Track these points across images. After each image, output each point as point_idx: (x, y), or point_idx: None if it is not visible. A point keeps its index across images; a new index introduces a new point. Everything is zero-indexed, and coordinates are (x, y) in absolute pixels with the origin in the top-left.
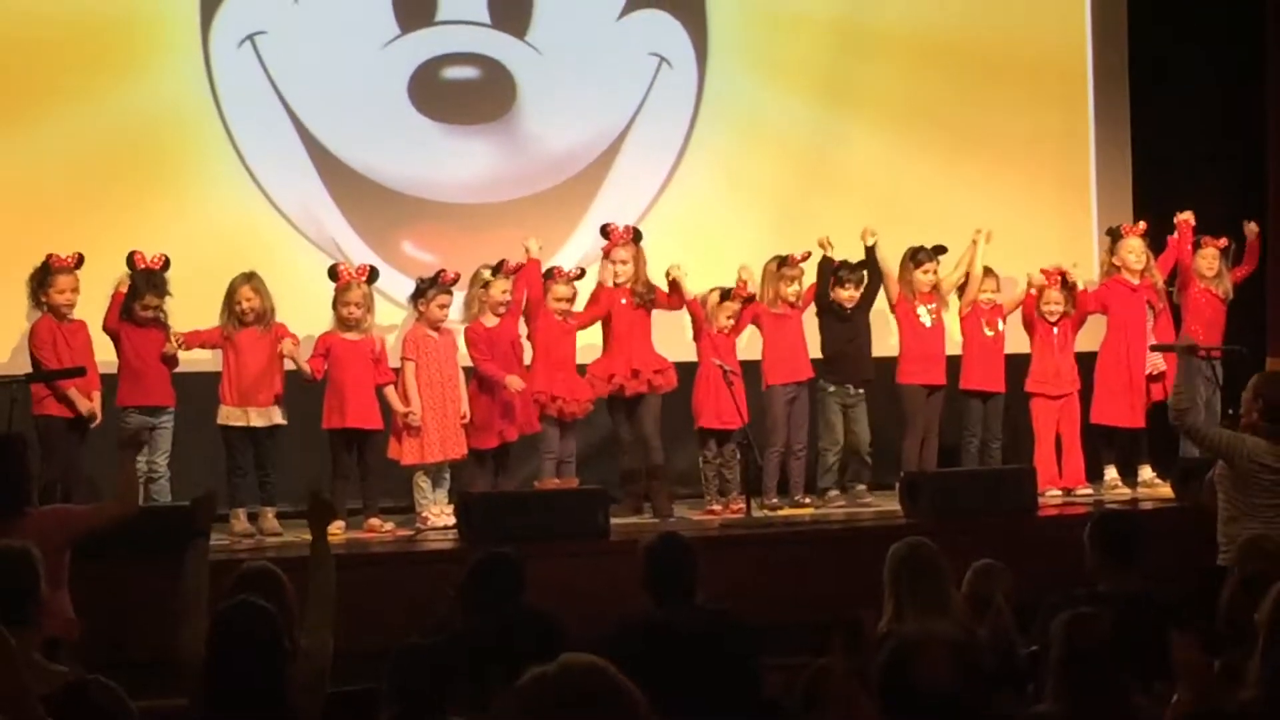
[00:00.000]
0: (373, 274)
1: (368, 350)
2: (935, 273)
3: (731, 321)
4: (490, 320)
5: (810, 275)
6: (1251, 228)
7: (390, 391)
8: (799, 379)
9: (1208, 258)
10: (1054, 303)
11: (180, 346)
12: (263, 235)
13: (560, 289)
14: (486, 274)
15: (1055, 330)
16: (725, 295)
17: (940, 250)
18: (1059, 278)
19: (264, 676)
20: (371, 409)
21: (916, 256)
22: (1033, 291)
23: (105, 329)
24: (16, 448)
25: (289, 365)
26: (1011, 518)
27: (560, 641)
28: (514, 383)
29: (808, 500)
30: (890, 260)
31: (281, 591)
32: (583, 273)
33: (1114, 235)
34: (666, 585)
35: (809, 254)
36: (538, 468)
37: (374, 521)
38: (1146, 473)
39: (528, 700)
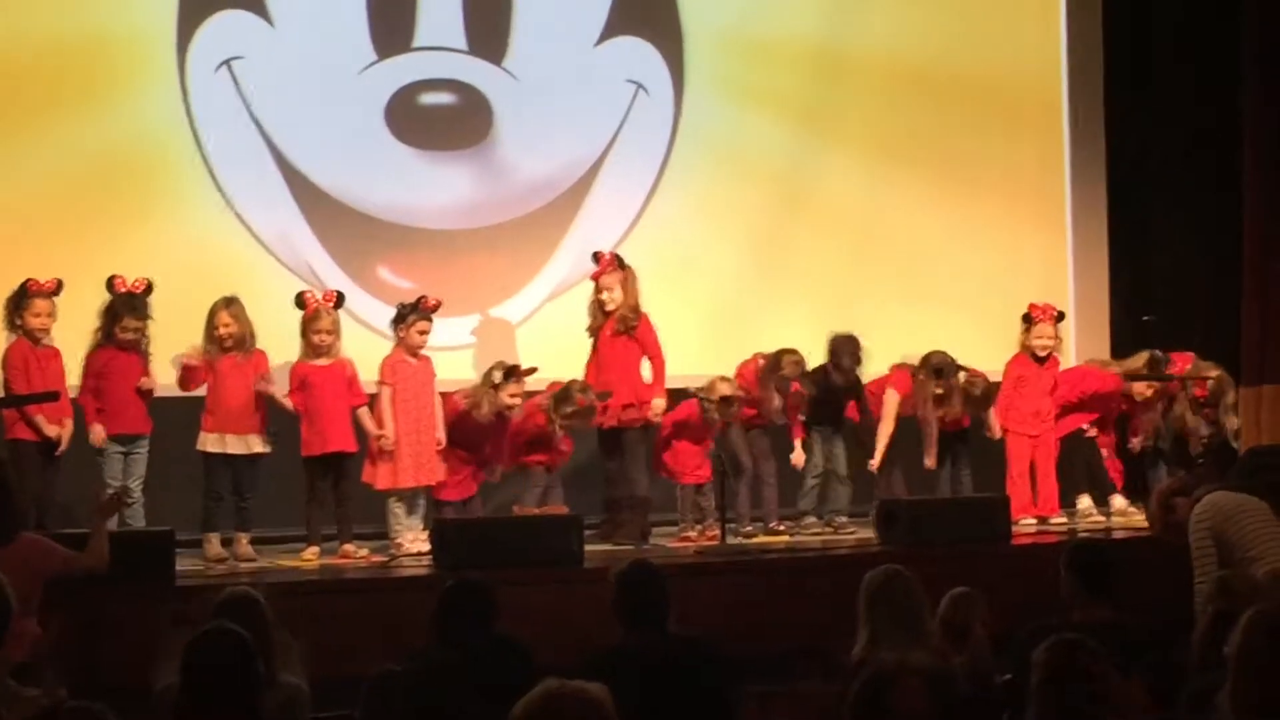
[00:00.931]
0: (339, 299)
1: (340, 374)
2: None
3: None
4: (485, 417)
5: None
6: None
7: (364, 414)
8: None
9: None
10: (1046, 337)
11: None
12: (239, 260)
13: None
14: (498, 376)
15: (1041, 368)
16: (728, 400)
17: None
18: (1054, 313)
19: (237, 704)
20: (349, 432)
21: (941, 371)
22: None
23: (81, 399)
24: (4, 472)
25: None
26: (986, 546)
27: (531, 668)
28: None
29: (782, 528)
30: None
31: (261, 618)
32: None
33: (1158, 365)
34: (638, 613)
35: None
36: (519, 495)
37: (348, 547)
38: (1119, 501)
39: None
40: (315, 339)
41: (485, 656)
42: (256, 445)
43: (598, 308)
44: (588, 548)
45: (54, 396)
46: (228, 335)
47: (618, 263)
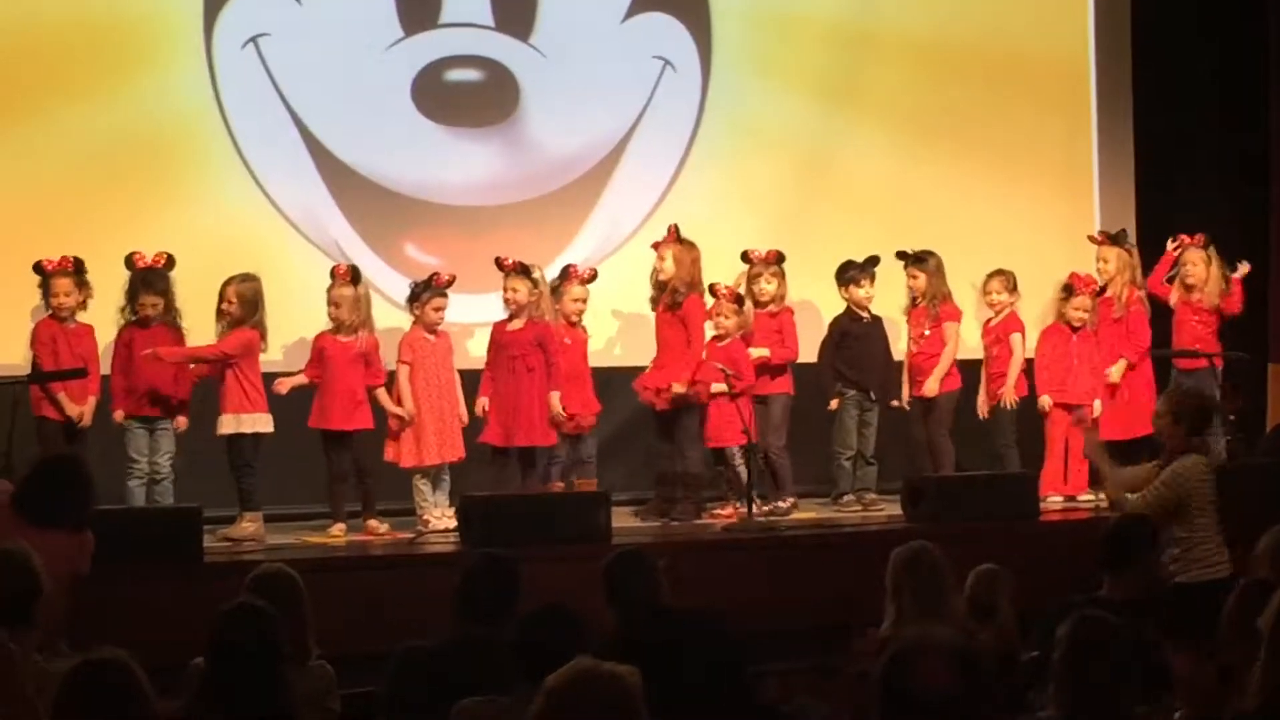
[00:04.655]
0: (354, 274)
1: (351, 351)
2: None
3: (731, 320)
4: (516, 324)
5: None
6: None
7: (382, 393)
8: (771, 391)
9: (1190, 262)
10: (1082, 309)
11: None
12: (265, 238)
13: (576, 290)
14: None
15: (1074, 338)
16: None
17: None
18: (1095, 286)
19: (261, 680)
20: (356, 410)
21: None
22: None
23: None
24: (83, 465)
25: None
26: (1012, 523)
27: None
28: (480, 404)
29: (786, 504)
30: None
31: (295, 594)
32: (594, 274)
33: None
34: (623, 597)
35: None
36: (544, 470)
37: (372, 523)
38: None
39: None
40: (328, 311)
41: (514, 629)
42: (225, 425)
43: (654, 279)
44: (634, 524)
45: (81, 373)
46: (226, 311)
47: (676, 235)
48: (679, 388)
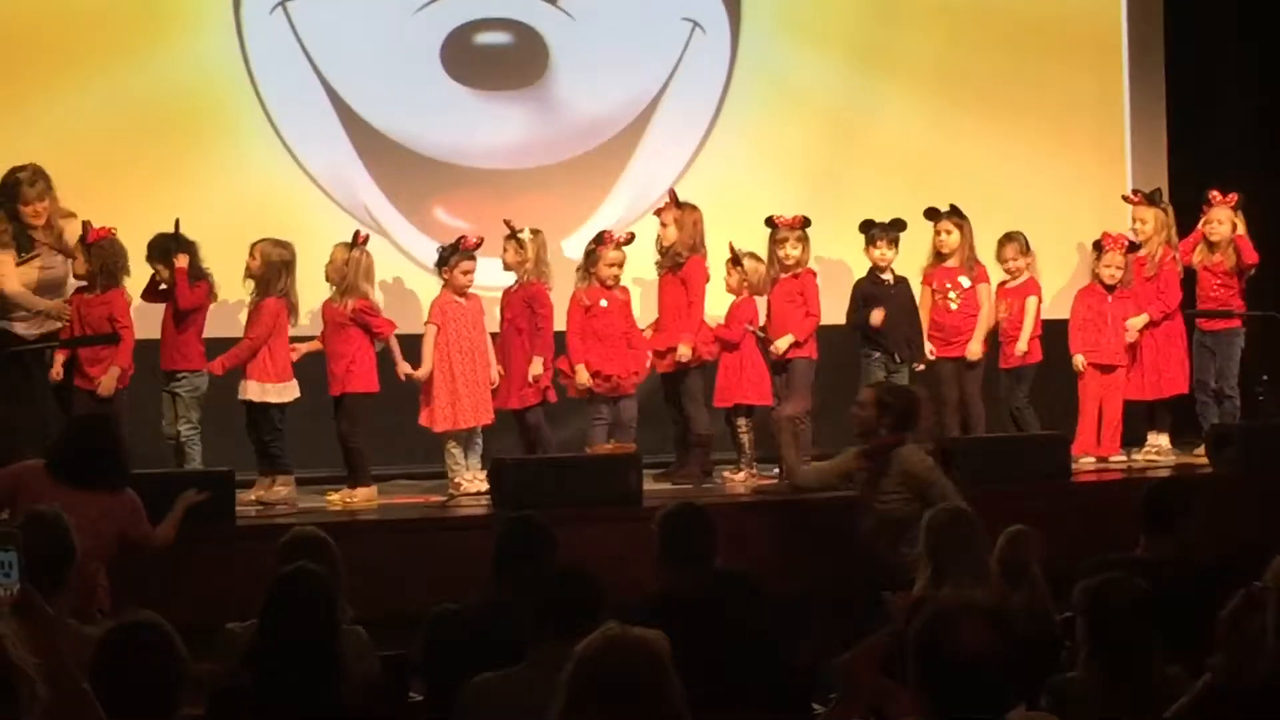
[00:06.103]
0: (354, 237)
1: (341, 315)
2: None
3: (733, 278)
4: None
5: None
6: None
7: (393, 340)
8: (792, 356)
9: (1215, 220)
10: (1115, 266)
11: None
12: (294, 201)
13: (611, 254)
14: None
15: (1109, 298)
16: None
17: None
18: (1125, 243)
19: (317, 645)
20: (346, 375)
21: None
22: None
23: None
24: (114, 425)
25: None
26: (1044, 484)
27: (597, 603)
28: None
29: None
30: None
31: (330, 557)
32: (632, 237)
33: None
34: (682, 553)
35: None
36: (588, 432)
37: (339, 495)
38: (1163, 440)
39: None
40: None
41: (546, 591)
42: (250, 392)
43: (659, 245)
44: (650, 487)
45: (111, 339)
46: (249, 268)
47: (675, 200)
48: (685, 350)
